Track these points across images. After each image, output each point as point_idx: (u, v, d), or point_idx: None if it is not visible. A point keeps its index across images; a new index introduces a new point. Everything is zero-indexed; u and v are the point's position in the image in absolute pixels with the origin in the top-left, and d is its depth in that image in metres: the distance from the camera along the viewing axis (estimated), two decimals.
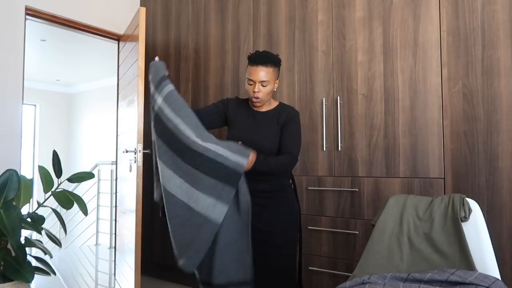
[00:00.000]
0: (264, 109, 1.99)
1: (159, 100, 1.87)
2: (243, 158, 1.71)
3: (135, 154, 2.66)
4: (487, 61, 2.03)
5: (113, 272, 3.61)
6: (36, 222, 2.19)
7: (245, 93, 2.87)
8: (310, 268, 2.47)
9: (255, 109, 1.99)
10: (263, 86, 1.89)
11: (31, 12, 2.94)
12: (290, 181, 1.99)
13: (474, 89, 2.06)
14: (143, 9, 2.74)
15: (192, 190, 1.72)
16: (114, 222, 3.82)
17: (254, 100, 1.91)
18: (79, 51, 5.57)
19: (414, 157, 2.21)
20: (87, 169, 6.14)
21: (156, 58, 2.03)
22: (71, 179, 2.41)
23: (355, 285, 1.48)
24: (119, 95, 3.45)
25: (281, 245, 1.86)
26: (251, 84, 1.90)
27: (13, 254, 2.11)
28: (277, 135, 1.91)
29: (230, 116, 2.01)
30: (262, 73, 1.87)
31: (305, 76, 2.60)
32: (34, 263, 2.20)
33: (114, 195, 4.33)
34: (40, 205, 2.33)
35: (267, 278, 1.81)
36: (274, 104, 2.01)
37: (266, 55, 1.94)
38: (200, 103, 3.15)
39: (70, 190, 2.35)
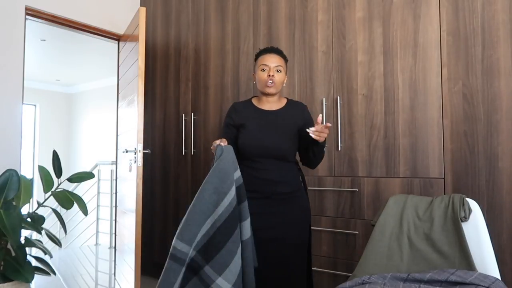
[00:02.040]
0: (275, 107, 1.93)
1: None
2: None
3: (135, 154, 2.66)
4: (487, 61, 2.03)
5: (113, 272, 3.61)
6: (36, 222, 2.19)
7: (245, 93, 2.88)
8: None
9: (264, 108, 1.93)
10: (277, 72, 1.87)
11: (31, 12, 2.95)
12: (300, 179, 1.94)
13: (474, 89, 2.05)
14: (143, 9, 2.74)
15: None
16: (114, 222, 3.82)
17: (269, 84, 1.86)
18: (79, 51, 5.57)
19: (414, 157, 2.21)
20: (87, 169, 6.14)
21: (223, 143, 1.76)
22: (71, 179, 2.41)
23: (355, 285, 1.48)
24: (119, 95, 3.45)
25: (296, 245, 1.83)
26: (264, 70, 1.87)
27: (13, 254, 2.12)
28: (295, 133, 1.87)
29: (238, 122, 1.93)
30: (276, 59, 1.88)
31: (305, 76, 2.60)
32: (34, 263, 2.20)
33: (114, 195, 4.33)
34: (40, 205, 2.33)
35: (280, 280, 1.78)
36: (283, 101, 1.97)
37: (278, 48, 1.96)
38: (200, 103, 3.15)
39: (70, 190, 2.35)
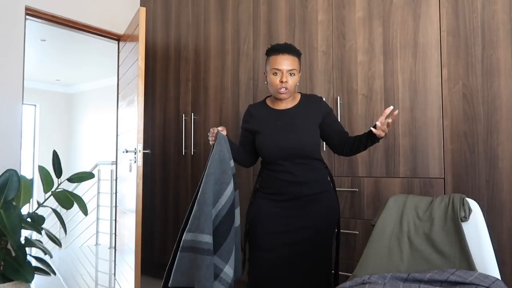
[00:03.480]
0: (290, 105, 1.85)
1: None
2: None
3: (135, 154, 2.66)
4: (487, 61, 2.03)
5: (113, 272, 3.61)
6: (36, 222, 2.19)
7: (245, 93, 2.88)
8: None
9: (279, 108, 1.86)
10: (290, 76, 1.76)
11: (31, 12, 2.94)
12: (328, 179, 1.90)
13: (474, 89, 2.05)
14: (143, 9, 2.74)
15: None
16: (114, 222, 3.82)
17: (282, 92, 1.76)
18: (79, 51, 5.57)
19: (414, 157, 2.21)
20: (87, 169, 6.14)
21: (220, 128, 1.80)
22: (71, 179, 2.41)
23: (355, 285, 1.48)
24: (119, 95, 3.45)
25: (319, 244, 1.80)
26: (276, 74, 1.75)
27: (13, 254, 2.11)
28: (315, 129, 1.81)
29: (254, 127, 1.87)
30: (289, 61, 1.75)
31: (305, 76, 2.60)
32: (34, 263, 2.20)
33: (114, 195, 4.33)
34: (40, 205, 2.33)
35: (301, 279, 1.77)
36: (297, 97, 1.88)
37: (290, 44, 1.84)
38: (200, 103, 3.15)
39: (70, 190, 2.35)
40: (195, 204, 1.67)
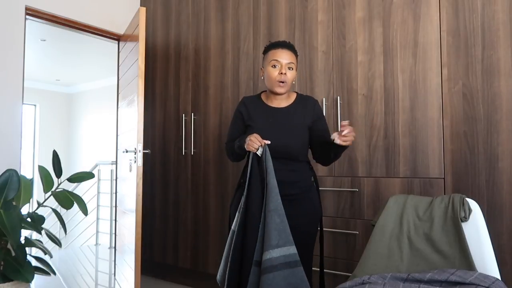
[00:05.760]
0: (284, 103, 1.86)
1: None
2: None
3: (135, 154, 2.66)
4: (487, 61, 2.03)
5: (113, 272, 3.61)
6: (36, 222, 2.19)
7: (245, 93, 2.88)
8: None
9: (273, 105, 1.86)
10: (289, 69, 1.78)
11: (31, 12, 2.94)
12: (312, 179, 1.90)
13: (474, 89, 2.06)
14: (143, 9, 2.74)
15: None
16: (114, 222, 3.82)
17: (280, 84, 1.78)
18: (79, 51, 5.57)
19: (414, 157, 2.21)
20: (87, 169, 6.14)
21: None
22: (71, 179, 2.41)
23: (355, 285, 1.48)
24: (119, 95, 3.45)
25: (302, 246, 1.76)
26: (275, 67, 1.77)
27: (13, 254, 2.11)
28: (305, 131, 1.82)
29: (247, 118, 1.87)
30: (289, 56, 1.79)
31: (305, 76, 2.60)
32: (34, 263, 2.20)
33: (114, 195, 4.33)
34: (40, 205, 2.33)
35: None
36: (292, 96, 1.89)
37: (289, 42, 1.87)
38: (200, 103, 3.15)
39: (70, 190, 2.35)
40: (277, 216, 1.62)
